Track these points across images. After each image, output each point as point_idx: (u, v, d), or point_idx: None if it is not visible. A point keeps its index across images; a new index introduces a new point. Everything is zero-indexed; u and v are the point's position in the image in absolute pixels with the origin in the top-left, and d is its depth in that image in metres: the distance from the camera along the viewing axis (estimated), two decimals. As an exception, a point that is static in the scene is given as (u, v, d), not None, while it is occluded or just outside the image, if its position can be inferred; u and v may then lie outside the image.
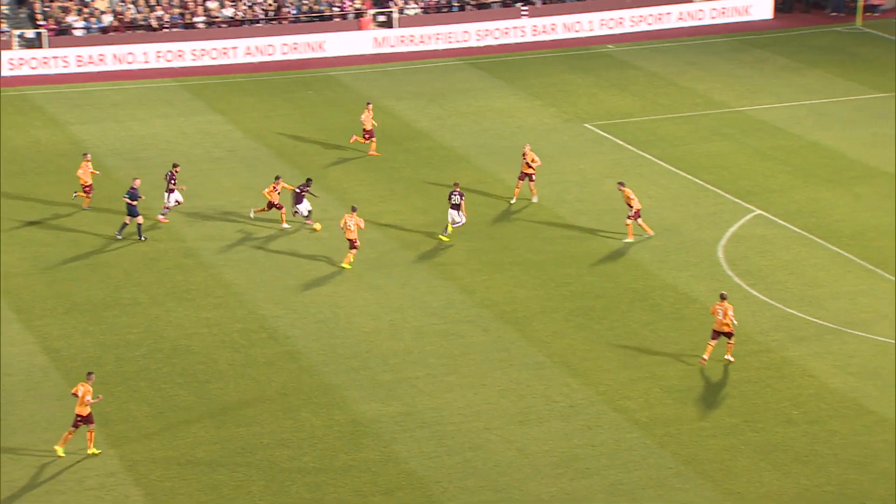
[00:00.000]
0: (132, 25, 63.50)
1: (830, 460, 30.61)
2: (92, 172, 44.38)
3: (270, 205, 42.63)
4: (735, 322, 34.33)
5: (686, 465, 30.54)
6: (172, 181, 43.22)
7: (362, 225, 40.32)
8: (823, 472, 30.17)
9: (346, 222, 40.13)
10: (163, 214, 43.55)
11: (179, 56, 62.22)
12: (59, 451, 30.44)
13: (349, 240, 40.15)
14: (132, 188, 42.06)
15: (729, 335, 34.51)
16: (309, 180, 42.94)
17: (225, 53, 62.73)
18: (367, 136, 49.84)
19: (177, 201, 43.49)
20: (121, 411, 32.50)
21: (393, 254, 41.64)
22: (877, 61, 62.21)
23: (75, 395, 30.30)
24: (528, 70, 61.61)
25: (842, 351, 35.53)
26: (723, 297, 34.60)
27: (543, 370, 34.67)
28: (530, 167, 44.93)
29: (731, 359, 34.72)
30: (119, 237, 42.20)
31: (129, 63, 61.61)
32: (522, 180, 45.28)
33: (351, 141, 50.00)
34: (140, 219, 42.10)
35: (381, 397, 33.33)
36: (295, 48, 63.56)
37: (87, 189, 44.29)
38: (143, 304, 38.26)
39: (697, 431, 31.93)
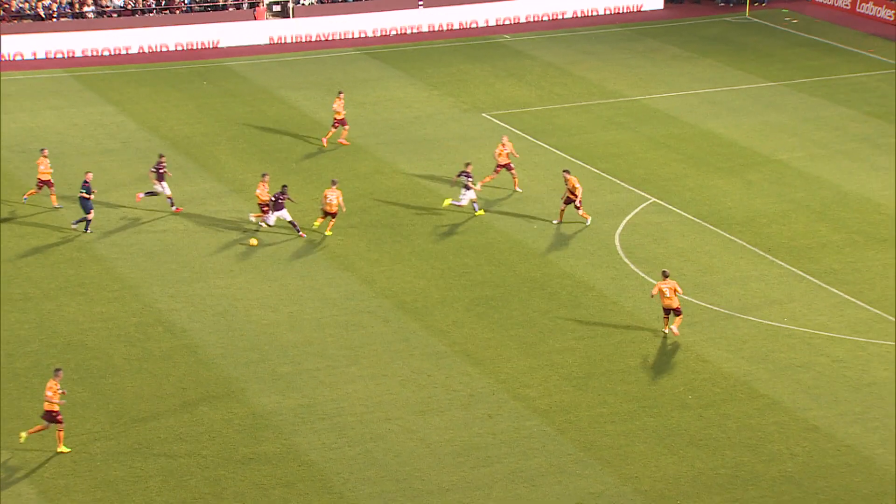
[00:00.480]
0: (19, 15, 62.25)
1: (724, 443, 31.04)
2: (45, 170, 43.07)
3: (263, 205, 41.55)
4: (681, 294, 35.24)
5: (585, 451, 30.77)
6: (161, 170, 42.87)
7: (342, 201, 41.10)
8: (718, 455, 30.59)
9: (326, 196, 40.88)
10: (173, 206, 43.31)
11: (70, 46, 61.16)
12: (23, 437, 30.15)
13: (329, 213, 41.07)
14: (85, 182, 41.38)
15: (677, 311, 35.03)
16: (284, 187, 42.01)
17: (117, 44, 61.81)
18: (337, 124, 49.19)
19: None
20: (12, 408, 31.88)
21: (292, 245, 41.37)
22: (765, 51, 63.21)
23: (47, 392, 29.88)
24: (426, 60, 61.60)
25: (735, 336, 36.04)
26: (665, 275, 35.21)
27: (444, 360, 34.69)
28: (503, 158, 44.74)
29: (676, 331, 35.25)
30: (74, 227, 41.82)
31: (18, 54, 60.41)
32: (510, 170, 45.05)
33: (324, 141, 49.38)
34: (91, 214, 41.39)
35: (281, 389, 33.10)
36: (189, 38, 62.83)
37: (41, 185, 43.11)
38: (35, 299, 37.57)
39: (596, 418, 32.18)
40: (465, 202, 43.35)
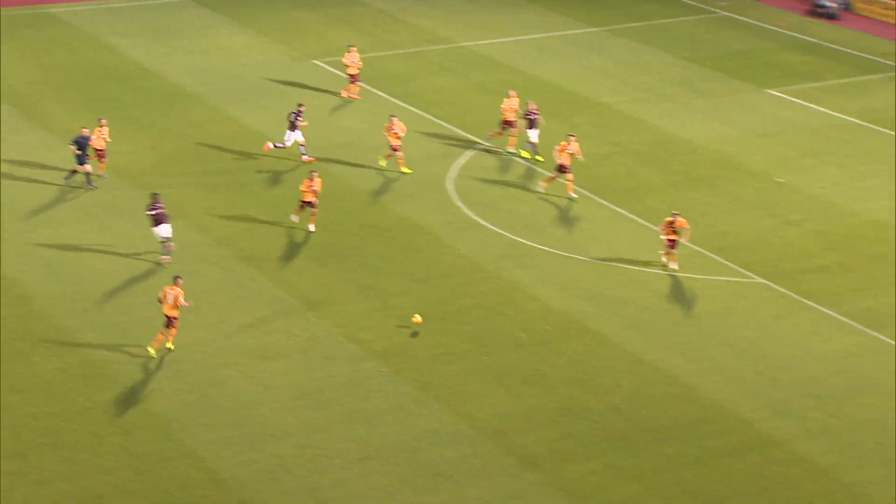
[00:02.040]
0: None
1: (556, 379, 31.71)
2: (105, 139, 41.29)
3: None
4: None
5: (422, 391, 31.11)
6: (298, 118, 42.55)
7: (319, 188, 38.67)
8: (550, 391, 31.25)
9: (308, 185, 38.20)
10: (305, 154, 42.95)
11: None
12: (152, 352, 31.68)
13: (307, 202, 38.21)
14: (81, 136, 39.95)
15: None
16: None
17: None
18: (353, 79, 48.73)
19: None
20: None
21: (125, 193, 40.65)
22: (602, 0, 64.10)
23: (161, 299, 31.57)
24: (255, 7, 60.82)
25: (565, 275, 36.73)
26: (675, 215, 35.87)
27: (282, 306, 34.61)
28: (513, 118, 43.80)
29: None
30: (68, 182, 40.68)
31: None
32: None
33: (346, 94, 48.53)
34: (88, 167, 40.12)
35: (117, 338, 32.63)
36: (13, -15, 60.88)
37: (101, 154, 41.25)
38: None
39: (432, 358, 32.54)
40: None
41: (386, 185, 42.10)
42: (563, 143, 41.00)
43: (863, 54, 53.91)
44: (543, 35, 58.14)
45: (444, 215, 40.17)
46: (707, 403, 30.60)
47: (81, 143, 40.40)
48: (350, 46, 49.97)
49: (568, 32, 58.58)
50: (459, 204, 41.08)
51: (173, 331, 32.06)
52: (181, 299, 31.78)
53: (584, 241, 38.72)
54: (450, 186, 42.35)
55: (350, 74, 49.20)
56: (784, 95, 50.04)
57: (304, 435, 29.31)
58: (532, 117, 43.76)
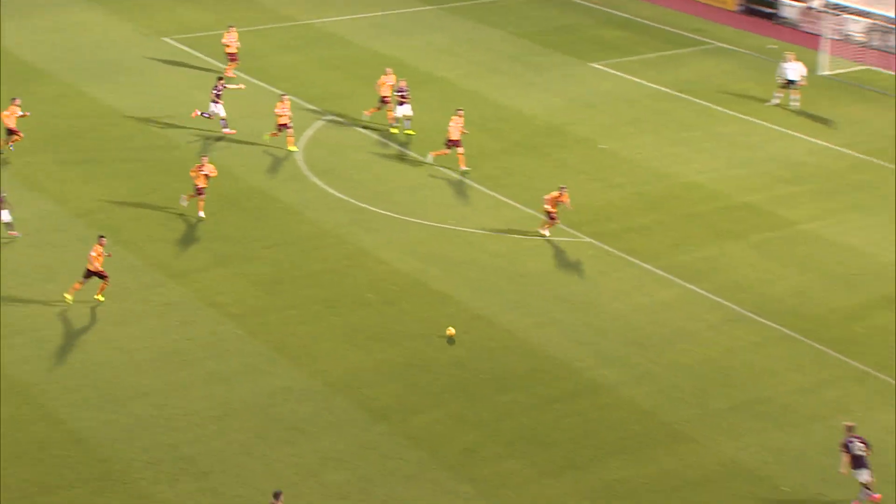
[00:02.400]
0: None
1: (402, 335, 31.81)
2: (21, 116, 39.29)
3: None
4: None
5: (277, 351, 30.92)
6: (219, 91, 42.01)
7: (215, 173, 37.21)
8: (396, 346, 31.34)
9: (198, 170, 36.79)
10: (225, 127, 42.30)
11: None
12: (69, 298, 31.64)
13: (199, 187, 36.73)
14: None
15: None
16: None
17: None
18: (231, 58, 47.58)
19: (218, 114, 42.16)
20: None
21: (-19, 169, 39.34)
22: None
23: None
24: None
25: (409, 238, 36.80)
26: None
27: (139, 273, 33.97)
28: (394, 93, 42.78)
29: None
30: None
31: None
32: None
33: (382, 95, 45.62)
34: None
35: (-21, 309, 31.66)
36: None
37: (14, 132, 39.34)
38: None
39: (285, 320, 32.33)
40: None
41: (237, 157, 41.55)
42: (453, 117, 40.86)
43: (674, 30, 54.98)
44: (382, 13, 57.87)
45: (294, 184, 39.86)
46: (541, 354, 31.06)
47: None
48: (230, 26, 48.95)
49: (406, 10, 58.42)
50: (308, 173, 40.80)
51: (104, 284, 32.00)
52: (100, 255, 31.85)
53: (426, 207, 38.82)
54: (298, 157, 42.00)
55: (229, 54, 48.21)
56: (605, 68, 50.78)
57: (162, 395, 28.89)
58: (403, 94, 43.54)
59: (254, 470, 26.65)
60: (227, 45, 48.21)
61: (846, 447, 25.27)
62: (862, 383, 29.36)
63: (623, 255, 35.80)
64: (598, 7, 58.31)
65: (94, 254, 32.02)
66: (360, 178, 40.61)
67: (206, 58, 50.54)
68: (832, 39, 49.81)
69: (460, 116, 40.81)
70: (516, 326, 32.29)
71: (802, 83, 44.94)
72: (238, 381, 29.62)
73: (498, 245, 36.59)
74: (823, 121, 44.65)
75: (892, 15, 48.33)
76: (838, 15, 50.95)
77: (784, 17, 54.90)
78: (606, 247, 36.32)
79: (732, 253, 35.66)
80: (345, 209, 38.46)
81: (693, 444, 27.51)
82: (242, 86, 44.86)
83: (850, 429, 25.57)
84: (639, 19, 56.55)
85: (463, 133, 40.74)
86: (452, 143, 40.74)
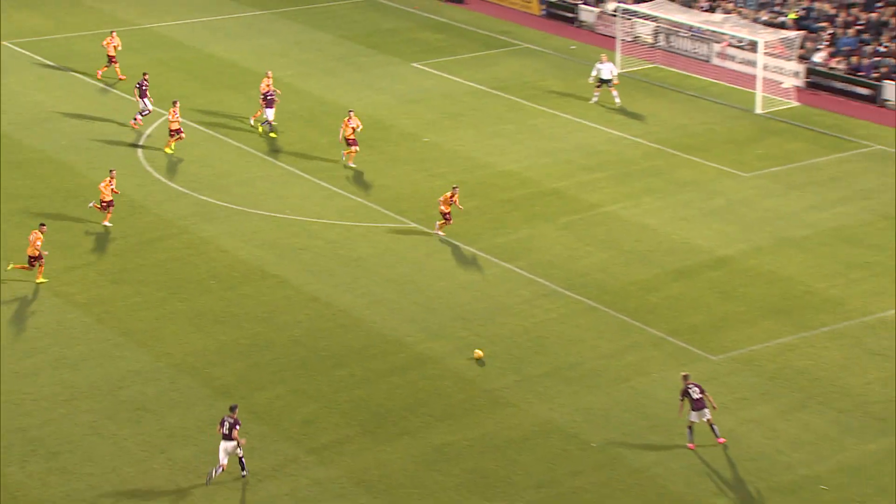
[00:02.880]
0: None
1: (243, 318, 31.33)
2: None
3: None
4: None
5: (123, 336, 30.10)
6: (144, 87, 41.75)
7: (107, 190, 35.21)
8: (238, 329, 30.84)
9: (107, 184, 34.98)
10: (136, 120, 41.53)
11: None
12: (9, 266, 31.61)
13: (107, 202, 34.96)
14: None
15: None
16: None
17: None
18: (112, 61, 46.04)
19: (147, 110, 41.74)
20: None
21: None
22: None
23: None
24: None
25: (248, 228, 36.25)
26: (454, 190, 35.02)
27: (-14, 266, 32.60)
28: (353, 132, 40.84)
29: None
30: None
31: None
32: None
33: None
34: None
35: None
36: None
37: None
38: None
39: (131, 307, 31.49)
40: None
41: (79, 155, 40.23)
42: (345, 119, 40.17)
43: (487, 32, 55.43)
44: (216, 18, 56.81)
45: (136, 179, 38.81)
46: (373, 331, 30.98)
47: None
48: (112, 31, 47.51)
49: (238, 15, 57.46)
50: (149, 169, 39.77)
51: (40, 268, 31.77)
52: (38, 243, 31.67)
53: (263, 198, 38.28)
54: (140, 154, 40.91)
55: (109, 56, 46.74)
56: (425, 68, 50.87)
57: (9, 382, 27.86)
58: (270, 97, 42.49)
59: (102, 449, 25.91)
60: (108, 50, 47.01)
61: (686, 393, 25.95)
62: (658, 347, 30.16)
63: (447, 239, 35.94)
64: (417, 12, 58.42)
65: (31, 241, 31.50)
66: (200, 173, 39.79)
67: (47, 61, 48.81)
68: (624, 41, 50.99)
69: (351, 117, 40.19)
70: (350, 306, 32.12)
71: (616, 81, 45.86)
72: (86, 366, 28.72)
73: (331, 232, 36.33)
74: (620, 113, 45.65)
75: (676, 19, 49.71)
76: (629, 19, 52.17)
77: (583, 21, 55.95)
78: (431, 231, 36.43)
79: (543, 234, 36.19)
80: (186, 202, 37.65)
81: (512, 408, 27.84)
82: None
83: (686, 377, 26.26)
84: (455, 23, 56.86)
85: (355, 130, 40.03)
86: (350, 142, 40.05)
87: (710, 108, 45.99)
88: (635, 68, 49.87)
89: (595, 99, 46.02)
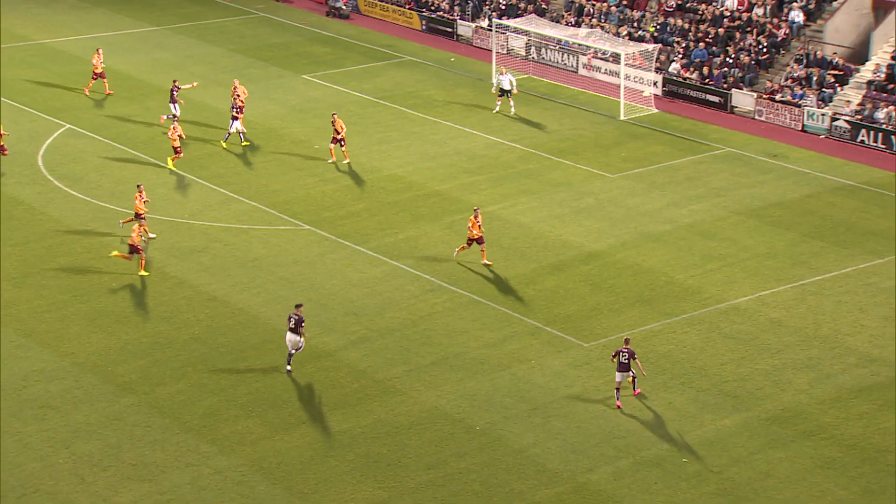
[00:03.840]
0: None
1: (144, 317, 30.76)
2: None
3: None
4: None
5: (26, 338, 29.27)
6: (175, 92, 41.82)
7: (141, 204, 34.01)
8: (139, 328, 30.25)
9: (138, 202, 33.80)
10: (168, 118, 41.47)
11: None
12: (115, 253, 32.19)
13: (134, 248, 32.68)
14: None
15: (480, 241, 33.44)
16: None
17: None
18: (100, 76, 44.65)
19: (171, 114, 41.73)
20: None
21: None
22: (148, 2, 61.79)
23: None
24: None
25: (166, 237, 35.55)
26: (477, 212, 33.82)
27: None
28: (338, 133, 40.43)
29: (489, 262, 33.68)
30: None
31: None
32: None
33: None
34: None
35: None
36: None
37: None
38: None
39: (34, 309, 30.65)
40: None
41: (-19, 164, 39.01)
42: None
43: (371, 46, 55.34)
44: (112, 33, 55.61)
45: (37, 187, 37.76)
46: (269, 327, 30.69)
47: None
48: (98, 48, 46.62)
49: (134, 31, 56.34)
50: (50, 177, 38.74)
51: (142, 261, 32.66)
52: (136, 235, 32.20)
53: (162, 204, 37.60)
54: (40, 162, 39.82)
55: (95, 72, 46.02)
56: (314, 79, 50.56)
57: (-81, 386, 26.82)
58: (236, 111, 41.79)
59: (7, 446, 25.17)
60: (95, 66, 46.11)
61: (616, 355, 27.17)
62: (535, 336, 30.52)
63: (338, 239, 35.83)
64: (305, 27, 58.04)
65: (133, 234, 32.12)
66: (99, 180, 38.91)
67: (-53, 74, 47.17)
68: (499, 53, 51.44)
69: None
70: (248, 305, 31.78)
71: (515, 91, 46.19)
72: (-8, 368, 27.85)
73: (228, 235, 35.87)
74: (497, 120, 46.05)
75: (546, 33, 50.33)
76: (503, 33, 52.64)
77: (460, 35, 56.29)
78: (323, 233, 36.26)
79: (429, 233, 36.30)
80: (86, 209, 36.78)
81: (402, 396, 27.87)
82: (195, 83, 44.23)
83: (626, 341, 27.43)
84: (341, 37, 56.66)
85: (341, 130, 40.10)
86: (336, 140, 40.47)
87: (578, 115, 46.72)
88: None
89: (497, 109, 46.27)
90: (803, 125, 44.89)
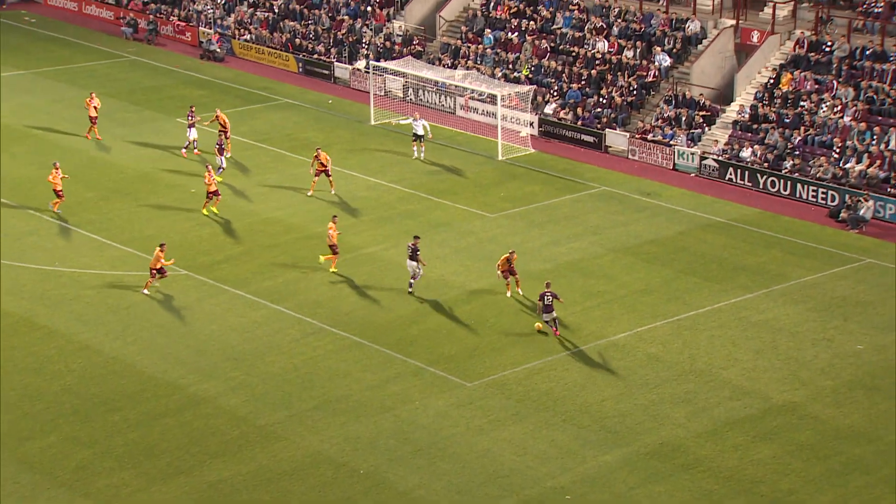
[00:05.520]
0: None
1: (13, 370, 29.79)
2: (63, 177, 38.66)
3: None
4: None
5: None
6: (191, 118, 43.41)
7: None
8: (7, 380, 29.24)
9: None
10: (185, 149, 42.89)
11: None
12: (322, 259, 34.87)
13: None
14: None
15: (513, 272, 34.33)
16: None
17: None
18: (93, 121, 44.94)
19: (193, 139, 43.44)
20: None
21: None
22: (14, 45, 60.46)
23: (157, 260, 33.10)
24: None
25: (16, 282, 34.61)
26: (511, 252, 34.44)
27: None
28: (324, 166, 40.65)
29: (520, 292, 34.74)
30: None
31: None
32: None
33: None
34: None
35: None
36: None
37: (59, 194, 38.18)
38: None
39: None
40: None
41: None
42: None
43: (247, 88, 55.01)
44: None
45: None
46: (145, 376, 30.01)
47: None
48: (91, 93, 46.43)
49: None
50: None
51: (334, 258, 35.31)
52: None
53: (31, 252, 36.55)
54: None
55: (91, 117, 45.65)
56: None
57: None
58: (220, 143, 42.58)
59: None
60: (90, 110, 45.78)
61: (542, 298, 31.15)
62: (419, 377, 30.50)
63: (216, 284, 35.32)
64: (178, 70, 57.42)
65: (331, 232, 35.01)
66: (-37, 227, 37.61)
67: None
68: (377, 95, 51.70)
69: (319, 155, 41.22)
70: (122, 353, 31.02)
71: (429, 136, 46.29)
72: None
73: (102, 281, 35.05)
74: (377, 161, 46.17)
75: (422, 75, 50.82)
76: (381, 75, 52.95)
77: (338, 77, 56.40)
78: (201, 277, 35.71)
79: (310, 276, 36.06)
80: (-50, 257, 35.50)
81: (284, 441, 27.50)
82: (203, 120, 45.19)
83: (548, 285, 31.56)
84: (216, 80, 56.20)
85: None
86: (322, 172, 41.25)
87: (457, 156, 47.16)
88: (389, 120, 50.62)
89: (416, 155, 46.15)
90: (674, 164, 46.16)
